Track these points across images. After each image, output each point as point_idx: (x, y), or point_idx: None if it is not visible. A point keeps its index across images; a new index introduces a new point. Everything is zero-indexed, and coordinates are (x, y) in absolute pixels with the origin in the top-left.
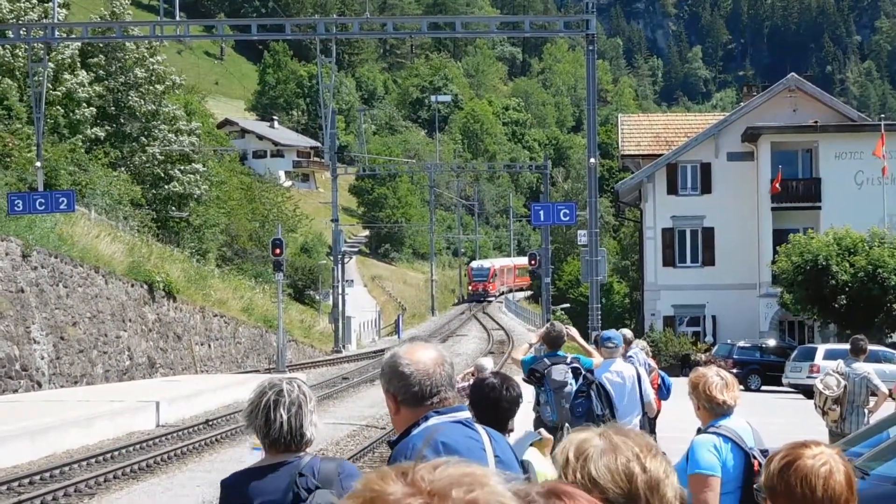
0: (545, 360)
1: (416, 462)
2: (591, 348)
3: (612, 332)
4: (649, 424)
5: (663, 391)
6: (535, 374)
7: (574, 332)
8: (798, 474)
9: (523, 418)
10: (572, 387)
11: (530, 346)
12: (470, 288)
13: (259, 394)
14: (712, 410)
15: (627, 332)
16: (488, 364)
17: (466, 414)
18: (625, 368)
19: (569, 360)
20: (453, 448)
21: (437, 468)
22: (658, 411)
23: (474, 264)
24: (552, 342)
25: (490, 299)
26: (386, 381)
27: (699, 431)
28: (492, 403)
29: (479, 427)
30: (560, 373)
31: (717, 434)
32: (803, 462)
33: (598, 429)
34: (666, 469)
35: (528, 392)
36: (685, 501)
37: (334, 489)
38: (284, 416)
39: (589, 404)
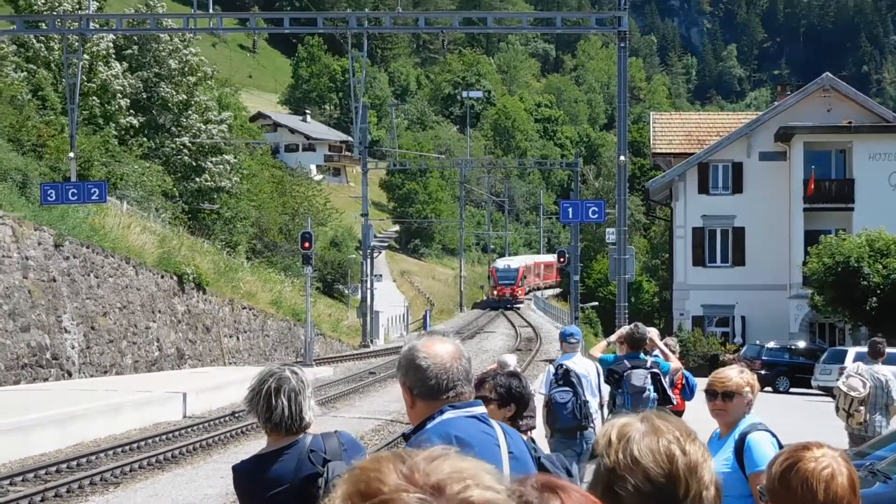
0: (625, 361)
1: (414, 451)
2: (669, 352)
3: (573, 328)
4: None
5: (687, 391)
6: (614, 375)
7: (655, 334)
8: (799, 477)
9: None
10: (650, 392)
11: (608, 343)
12: (495, 292)
13: (260, 381)
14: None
15: (652, 331)
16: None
17: (482, 409)
18: (585, 363)
19: (649, 365)
20: (467, 442)
21: (434, 460)
22: (682, 411)
23: (499, 264)
24: (634, 344)
25: (518, 305)
26: (402, 373)
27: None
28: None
29: (494, 423)
30: (640, 378)
31: (765, 430)
32: (805, 465)
33: (639, 414)
34: (704, 453)
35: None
36: (720, 487)
37: (343, 459)
38: (285, 402)
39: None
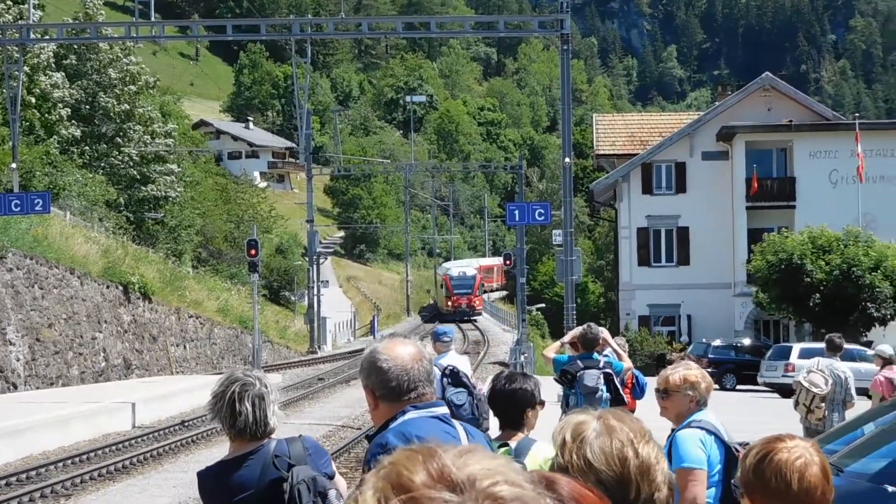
0: (578, 362)
1: (444, 447)
2: (622, 352)
3: (446, 328)
4: None
5: (637, 390)
6: (566, 376)
7: (607, 335)
8: (773, 468)
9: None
10: (603, 393)
11: (562, 344)
12: (449, 303)
13: (223, 387)
14: (698, 404)
15: (604, 331)
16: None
17: (444, 409)
18: (461, 360)
19: (601, 365)
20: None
21: (463, 456)
22: (633, 410)
23: (454, 271)
24: (587, 344)
25: (475, 318)
26: (365, 376)
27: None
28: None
29: (456, 423)
30: (592, 378)
31: (700, 428)
32: (778, 456)
33: (596, 412)
34: (657, 455)
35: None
36: (673, 488)
37: (308, 464)
38: (249, 408)
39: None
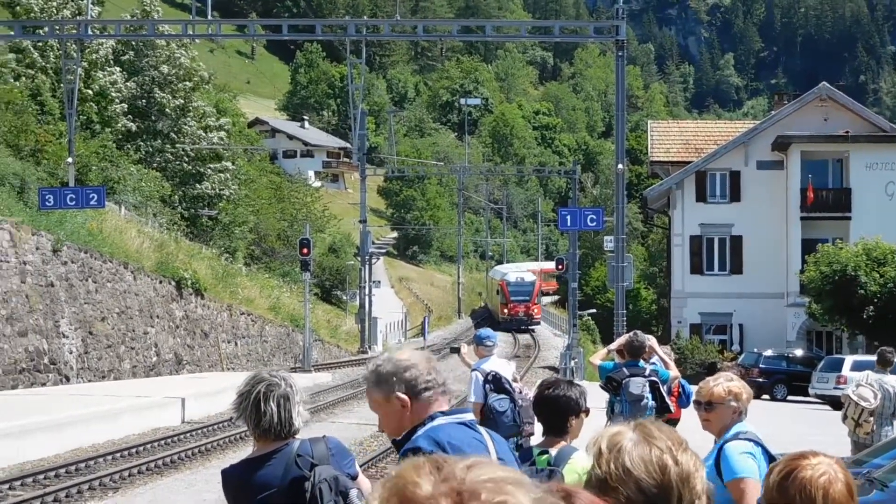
0: (624, 369)
1: (451, 458)
2: (669, 360)
3: (488, 332)
4: None
5: (683, 399)
6: (612, 383)
7: (655, 342)
8: (797, 485)
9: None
10: (648, 401)
11: (608, 351)
12: (506, 310)
13: (249, 387)
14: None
15: (651, 339)
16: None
17: (470, 415)
18: (503, 365)
19: (647, 373)
20: (459, 448)
21: (471, 468)
22: (678, 419)
23: (511, 276)
24: (633, 352)
25: (534, 328)
26: (387, 384)
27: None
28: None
29: (481, 429)
30: (638, 386)
31: (748, 439)
32: (802, 473)
33: (631, 422)
34: (696, 463)
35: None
36: (711, 495)
37: (331, 464)
38: (274, 408)
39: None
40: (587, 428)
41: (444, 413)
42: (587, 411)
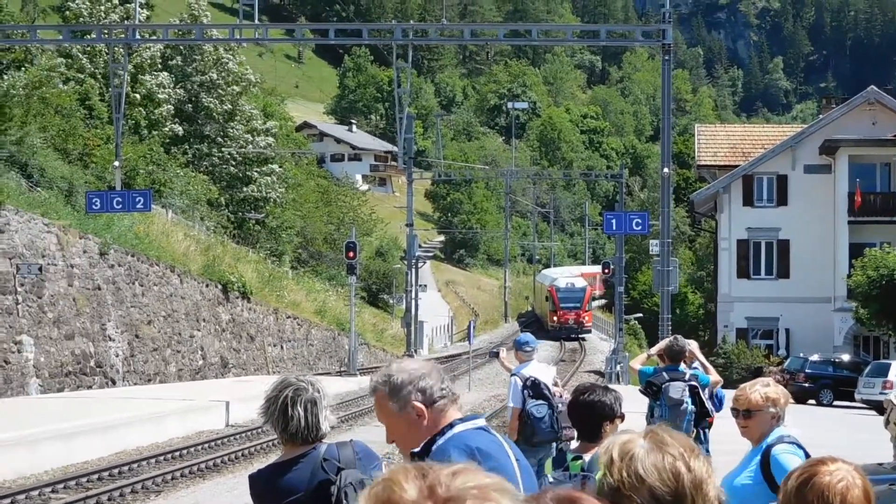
0: (664, 374)
1: (437, 465)
2: (709, 365)
3: (528, 337)
4: (703, 435)
5: (715, 403)
6: (652, 387)
7: (695, 347)
8: (815, 491)
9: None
10: (688, 405)
11: (648, 356)
12: (555, 318)
13: (276, 392)
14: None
15: (692, 343)
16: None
17: (483, 421)
18: (543, 370)
19: (687, 378)
20: (487, 453)
21: (456, 475)
22: (710, 424)
23: (561, 282)
24: (673, 356)
25: (584, 336)
26: (403, 395)
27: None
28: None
29: (497, 434)
30: (678, 391)
31: (792, 443)
32: (820, 479)
33: (642, 430)
34: (708, 469)
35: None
36: (723, 501)
37: (357, 467)
38: (301, 413)
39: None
40: None
41: (461, 420)
42: (622, 417)
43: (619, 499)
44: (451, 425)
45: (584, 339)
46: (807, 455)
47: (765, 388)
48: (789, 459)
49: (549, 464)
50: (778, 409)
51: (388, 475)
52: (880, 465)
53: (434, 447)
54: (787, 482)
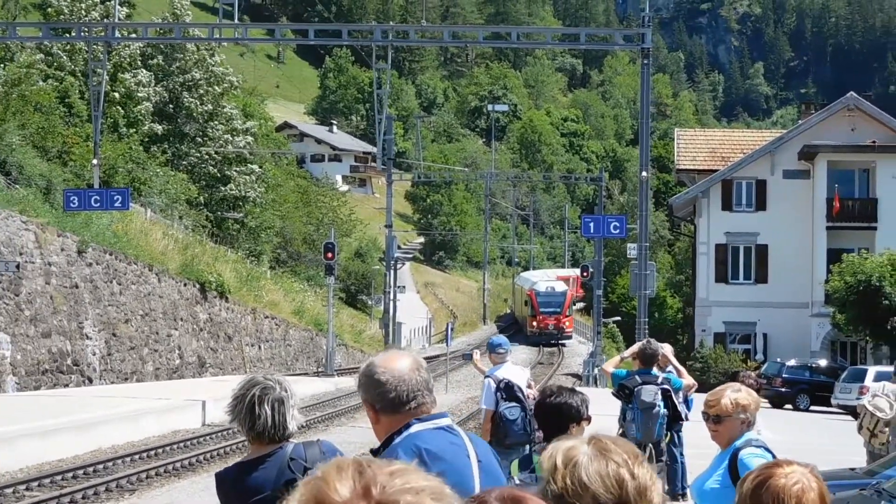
0: (636, 377)
1: (377, 463)
2: (682, 369)
3: (501, 339)
4: (676, 438)
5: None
6: (624, 390)
7: (669, 351)
8: (770, 494)
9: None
10: (660, 408)
11: (622, 359)
12: (535, 323)
13: (244, 390)
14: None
15: (666, 347)
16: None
17: (448, 420)
18: (516, 372)
19: (660, 381)
20: (437, 455)
21: (394, 475)
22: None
23: (541, 286)
24: (646, 360)
25: (564, 342)
26: (363, 390)
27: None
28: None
29: (461, 432)
30: (650, 394)
31: (759, 446)
32: (775, 481)
33: (585, 436)
34: (652, 476)
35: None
36: None
37: None
38: (268, 412)
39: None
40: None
41: (419, 420)
42: (589, 419)
43: None
44: (408, 425)
45: (564, 344)
46: (774, 458)
47: (735, 394)
48: (755, 462)
49: (515, 465)
50: (748, 414)
51: (322, 471)
52: (852, 469)
53: (389, 446)
54: (744, 484)
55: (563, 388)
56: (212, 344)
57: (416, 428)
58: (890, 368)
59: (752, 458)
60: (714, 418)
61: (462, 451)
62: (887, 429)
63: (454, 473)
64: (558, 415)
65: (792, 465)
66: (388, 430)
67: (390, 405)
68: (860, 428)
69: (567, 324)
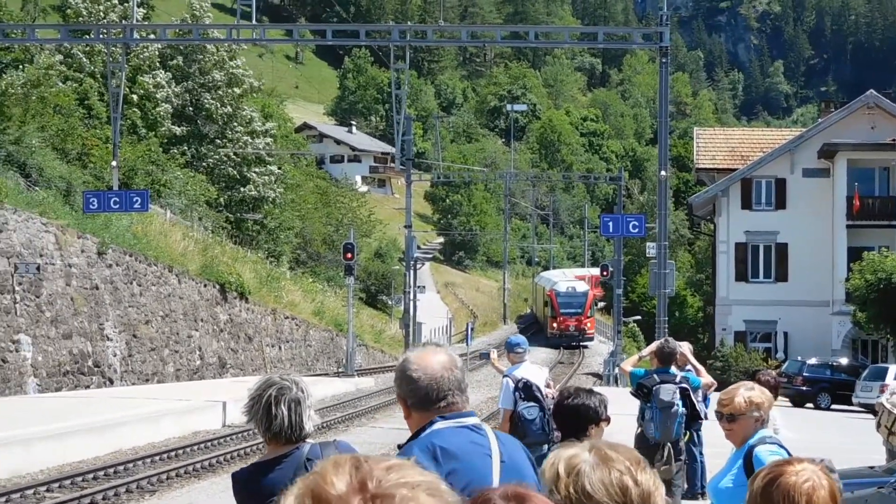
0: (654, 376)
1: (375, 459)
2: (701, 368)
3: (519, 338)
4: (696, 437)
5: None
6: (642, 389)
7: (687, 349)
8: (781, 491)
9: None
10: (679, 407)
11: (640, 358)
12: (555, 324)
13: (261, 390)
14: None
15: (684, 346)
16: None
17: (474, 419)
18: (535, 371)
19: (678, 380)
20: (451, 453)
21: (391, 470)
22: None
23: (561, 286)
24: (664, 358)
25: (586, 343)
26: (397, 385)
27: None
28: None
29: (488, 431)
30: (668, 393)
31: (774, 443)
32: (786, 479)
33: (586, 443)
34: (655, 482)
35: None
36: None
37: None
38: (285, 412)
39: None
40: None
41: (444, 417)
42: (608, 420)
43: None
44: (432, 422)
45: (586, 346)
46: (789, 455)
47: (748, 393)
48: (770, 459)
49: None
50: (761, 412)
51: (321, 466)
52: (871, 468)
53: (408, 443)
54: (754, 482)
55: (581, 389)
56: (232, 345)
57: (439, 426)
58: None
59: (767, 455)
60: (728, 417)
61: (482, 450)
62: None
63: (468, 472)
64: (576, 417)
65: (803, 462)
66: (418, 425)
67: (420, 402)
68: (878, 426)
69: (589, 325)
